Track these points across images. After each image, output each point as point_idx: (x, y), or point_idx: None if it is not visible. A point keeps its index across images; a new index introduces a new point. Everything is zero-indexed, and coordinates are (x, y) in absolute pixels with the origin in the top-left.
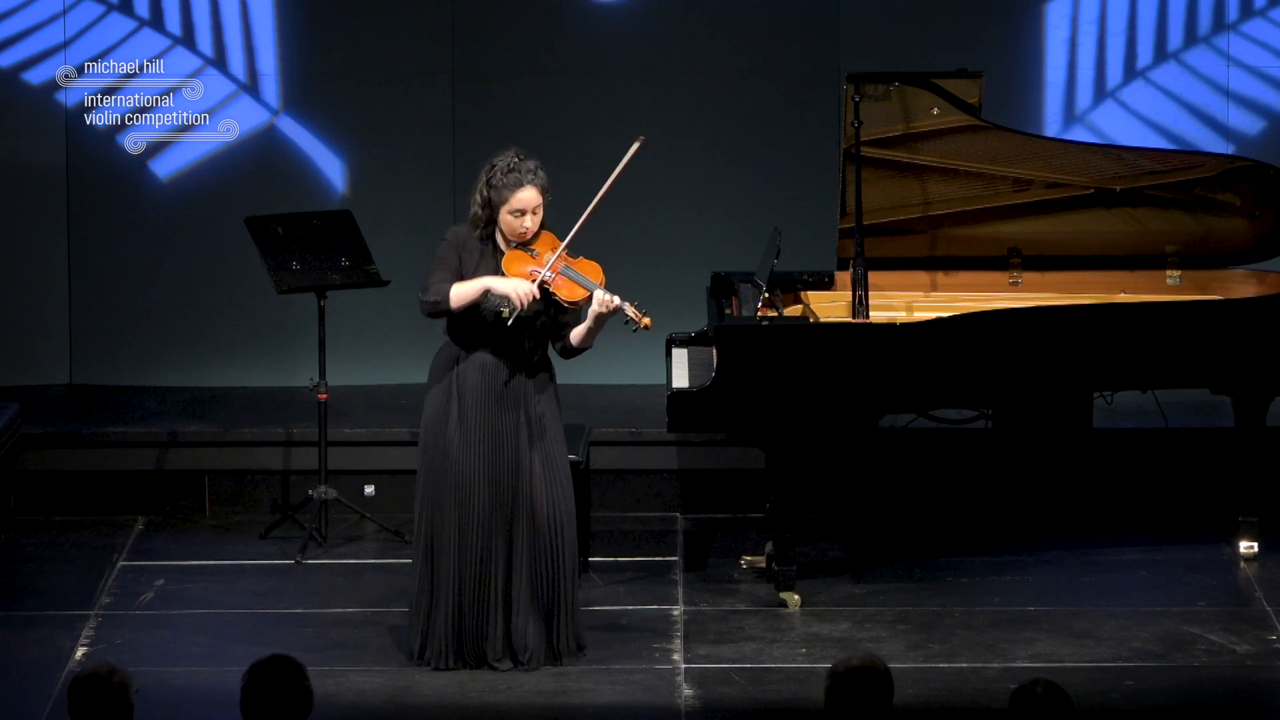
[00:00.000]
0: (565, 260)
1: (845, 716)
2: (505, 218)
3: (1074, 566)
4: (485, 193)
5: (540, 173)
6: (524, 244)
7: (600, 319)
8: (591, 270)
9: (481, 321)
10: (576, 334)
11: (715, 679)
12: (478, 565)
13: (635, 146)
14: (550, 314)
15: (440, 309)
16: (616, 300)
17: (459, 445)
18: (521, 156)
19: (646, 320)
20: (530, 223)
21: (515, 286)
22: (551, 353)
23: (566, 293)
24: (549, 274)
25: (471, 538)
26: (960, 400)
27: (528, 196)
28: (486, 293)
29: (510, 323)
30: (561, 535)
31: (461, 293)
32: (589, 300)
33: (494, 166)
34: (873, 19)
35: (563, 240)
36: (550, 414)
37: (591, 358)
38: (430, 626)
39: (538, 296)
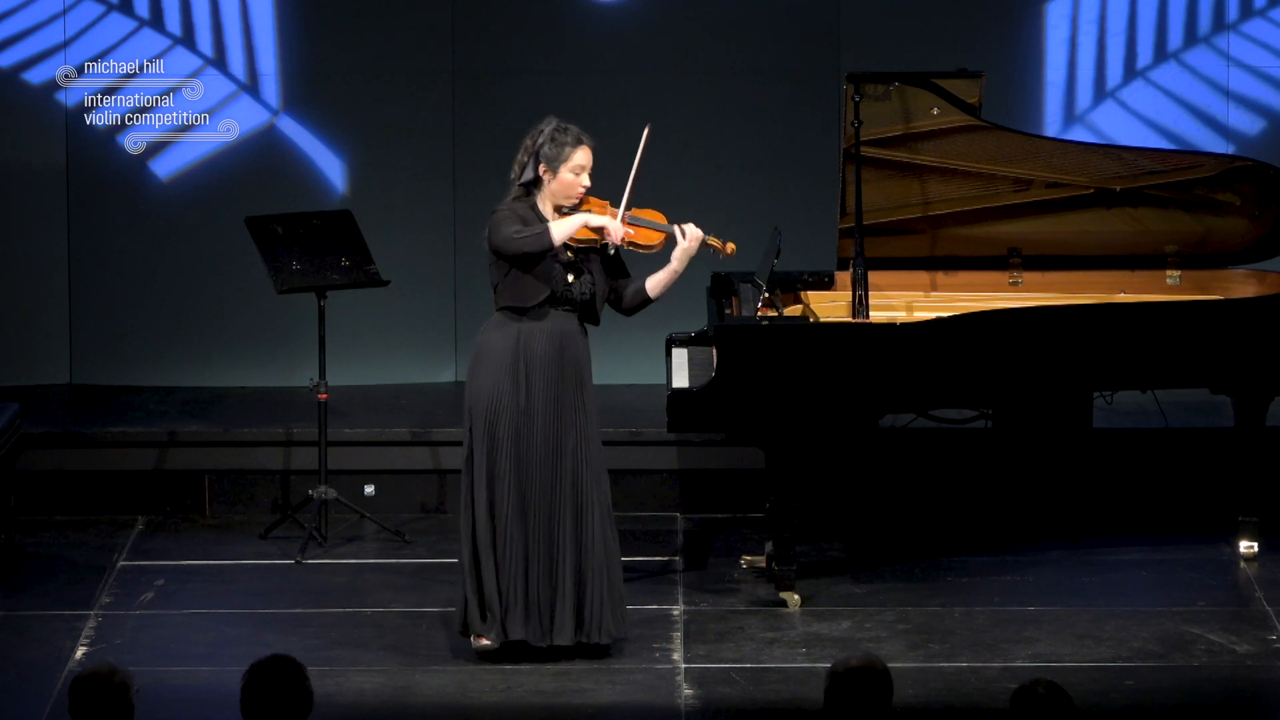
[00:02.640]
0: (628, 213)
1: (845, 716)
2: (564, 177)
3: (1074, 566)
4: (539, 153)
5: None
6: (573, 210)
7: (685, 257)
8: (656, 215)
9: (546, 291)
10: (656, 284)
11: (715, 679)
12: (543, 539)
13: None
14: (609, 274)
15: (544, 243)
16: (700, 232)
17: (530, 416)
18: (562, 121)
19: (731, 245)
20: (588, 182)
21: (613, 223)
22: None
23: (644, 239)
24: (619, 239)
25: (538, 510)
26: (960, 400)
27: (585, 154)
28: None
29: (614, 252)
30: (608, 506)
31: (564, 228)
32: (666, 243)
33: (542, 131)
34: (873, 19)
35: (612, 201)
36: (590, 384)
37: (592, 357)
38: (494, 599)
39: (631, 233)
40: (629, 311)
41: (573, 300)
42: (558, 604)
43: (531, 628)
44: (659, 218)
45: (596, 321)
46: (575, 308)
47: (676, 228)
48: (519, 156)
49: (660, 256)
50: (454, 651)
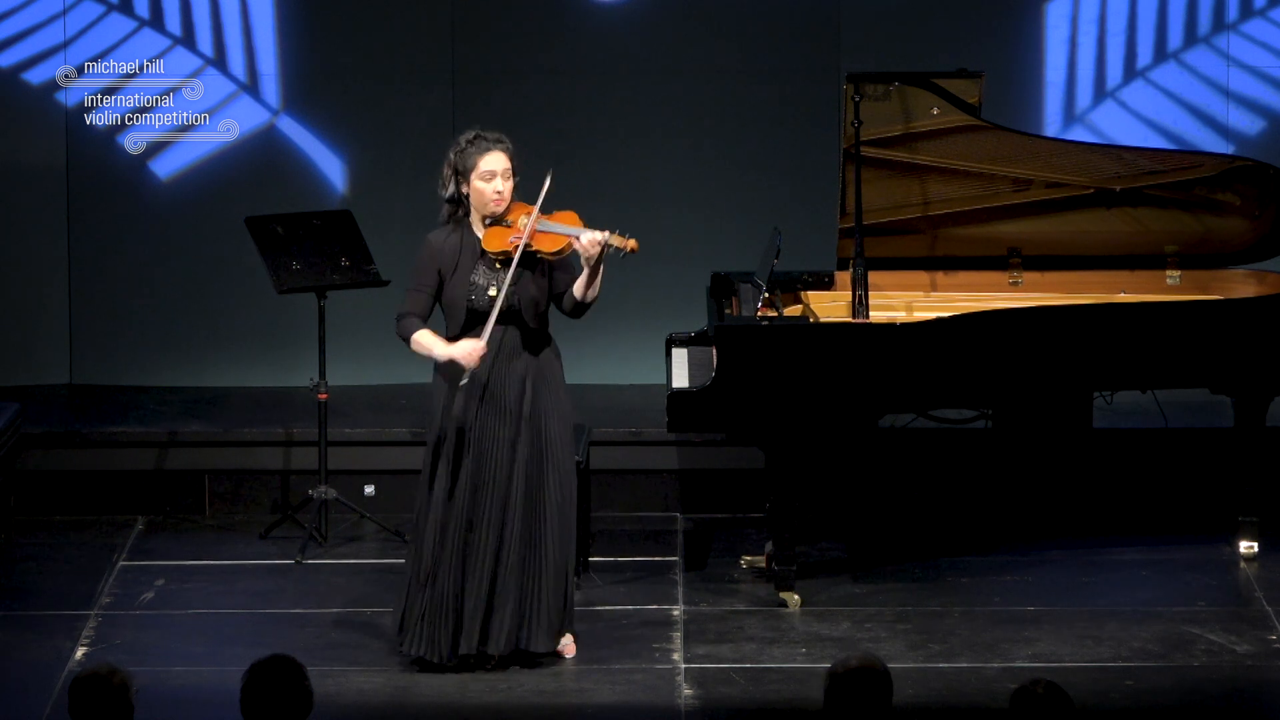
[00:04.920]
0: (540, 218)
1: (845, 717)
2: (476, 186)
3: (1074, 566)
4: (453, 166)
5: (506, 141)
6: (498, 220)
7: (593, 262)
8: (568, 219)
9: (464, 312)
10: (578, 287)
11: (715, 679)
12: (459, 558)
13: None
14: (543, 281)
15: (403, 340)
16: (601, 235)
17: (474, 430)
18: (482, 129)
19: (632, 243)
20: (502, 187)
21: (462, 351)
22: (558, 319)
23: (549, 245)
24: (526, 238)
25: (475, 521)
26: (960, 400)
27: (495, 158)
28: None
29: (464, 383)
30: (549, 524)
31: (420, 346)
32: (569, 248)
33: (457, 142)
34: (873, 19)
35: (533, 204)
36: (553, 391)
37: (592, 358)
38: (410, 614)
39: (485, 353)
40: (571, 315)
41: (506, 318)
42: (495, 613)
43: (463, 638)
44: (572, 219)
45: (538, 325)
46: (504, 320)
47: (574, 239)
48: (442, 171)
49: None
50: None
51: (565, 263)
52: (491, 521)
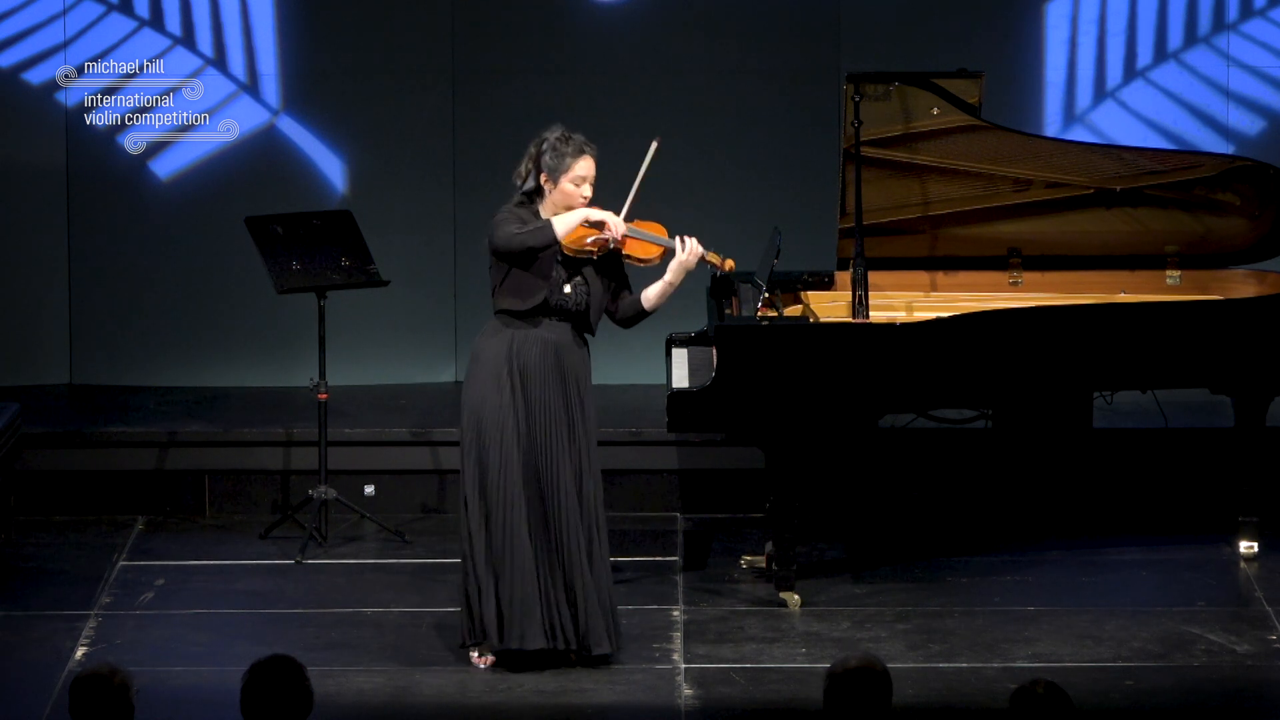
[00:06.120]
0: (631, 225)
1: (845, 717)
2: (565, 187)
3: (1074, 566)
4: (539, 161)
5: (593, 145)
6: None
7: (681, 271)
8: (656, 229)
9: (544, 291)
10: (651, 295)
11: (715, 679)
12: (548, 548)
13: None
14: (608, 285)
15: (548, 237)
16: (699, 248)
17: (527, 423)
18: (566, 129)
19: (730, 263)
20: (589, 192)
21: (609, 216)
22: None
23: (640, 251)
24: (618, 236)
25: (540, 518)
26: (960, 400)
27: (587, 164)
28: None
29: (614, 246)
30: (600, 515)
31: (567, 223)
32: (664, 256)
33: (545, 140)
34: (873, 19)
35: (615, 210)
36: (590, 394)
37: (592, 357)
38: (509, 606)
39: (625, 232)
40: (625, 324)
41: (566, 310)
42: (582, 610)
43: (546, 633)
44: (659, 230)
45: (592, 332)
46: (568, 318)
47: (677, 240)
48: (523, 163)
49: (656, 269)
50: (454, 652)
51: (623, 274)
52: (554, 514)
